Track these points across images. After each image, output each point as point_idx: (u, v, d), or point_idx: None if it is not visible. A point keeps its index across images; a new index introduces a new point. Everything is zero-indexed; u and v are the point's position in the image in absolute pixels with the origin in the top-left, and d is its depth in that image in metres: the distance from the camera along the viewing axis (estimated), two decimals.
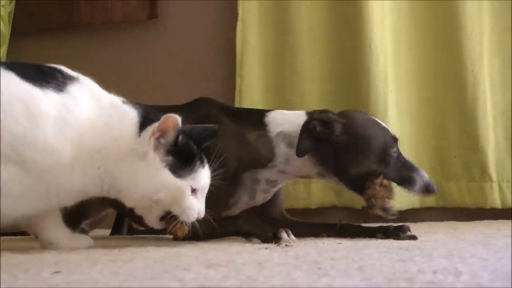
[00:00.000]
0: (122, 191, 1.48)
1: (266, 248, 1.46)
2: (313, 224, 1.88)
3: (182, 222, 1.50)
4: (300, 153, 1.73)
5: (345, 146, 1.73)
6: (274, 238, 1.59)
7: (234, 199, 1.85)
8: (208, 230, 1.72)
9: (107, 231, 2.27)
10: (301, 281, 0.90)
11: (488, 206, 2.57)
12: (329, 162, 1.76)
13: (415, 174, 1.75)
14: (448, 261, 1.11)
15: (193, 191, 1.49)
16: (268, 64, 2.74)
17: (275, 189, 1.90)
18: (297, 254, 1.30)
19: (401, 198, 2.57)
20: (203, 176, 1.52)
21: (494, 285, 0.84)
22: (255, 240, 1.64)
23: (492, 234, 1.75)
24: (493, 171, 2.57)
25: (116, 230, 2.25)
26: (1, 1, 2.82)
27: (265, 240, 1.60)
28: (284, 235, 1.60)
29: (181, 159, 1.48)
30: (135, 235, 2.21)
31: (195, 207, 1.50)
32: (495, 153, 2.59)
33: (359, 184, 1.73)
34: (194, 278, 0.94)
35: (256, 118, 1.85)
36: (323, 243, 1.59)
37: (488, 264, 1.07)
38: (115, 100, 1.52)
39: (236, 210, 1.89)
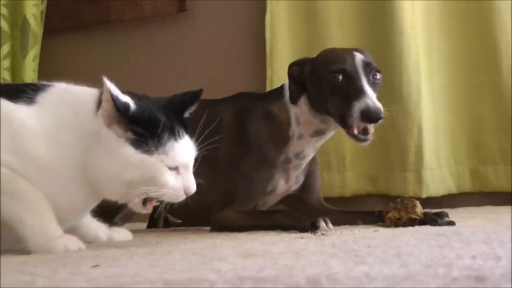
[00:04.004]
0: (96, 182, 1.34)
1: (302, 238, 1.46)
2: (350, 212, 1.88)
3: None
4: (292, 99, 1.81)
5: (313, 80, 1.78)
6: (311, 227, 1.59)
7: (272, 185, 1.85)
8: (247, 223, 1.73)
9: (144, 225, 2.29)
10: (338, 269, 0.89)
11: None
12: (315, 103, 1.79)
13: (356, 102, 1.62)
14: (487, 246, 1.10)
15: (174, 168, 1.34)
16: (298, 54, 2.71)
17: (304, 163, 1.90)
18: (334, 242, 1.29)
19: (438, 185, 2.56)
20: (179, 150, 1.34)
21: None
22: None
23: None
24: None
25: (153, 224, 2.27)
26: (33, 0, 2.86)
27: (303, 229, 1.60)
28: (322, 224, 1.59)
29: (144, 133, 1.30)
30: (172, 228, 2.22)
31: (176, 186, 1.34)
32: None
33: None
34: (231, 268, 0.95)
35: (279, 90, 1.91)
36: (359, 230, 1.58)
37: None
38: (84, 90, 1.41)
39: (274, 197, 1.90)
